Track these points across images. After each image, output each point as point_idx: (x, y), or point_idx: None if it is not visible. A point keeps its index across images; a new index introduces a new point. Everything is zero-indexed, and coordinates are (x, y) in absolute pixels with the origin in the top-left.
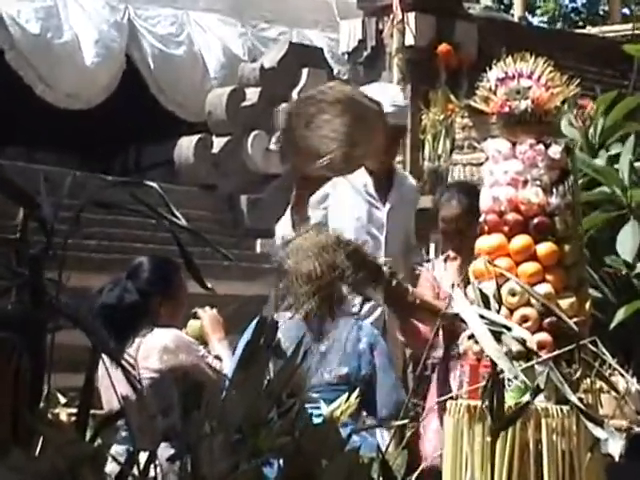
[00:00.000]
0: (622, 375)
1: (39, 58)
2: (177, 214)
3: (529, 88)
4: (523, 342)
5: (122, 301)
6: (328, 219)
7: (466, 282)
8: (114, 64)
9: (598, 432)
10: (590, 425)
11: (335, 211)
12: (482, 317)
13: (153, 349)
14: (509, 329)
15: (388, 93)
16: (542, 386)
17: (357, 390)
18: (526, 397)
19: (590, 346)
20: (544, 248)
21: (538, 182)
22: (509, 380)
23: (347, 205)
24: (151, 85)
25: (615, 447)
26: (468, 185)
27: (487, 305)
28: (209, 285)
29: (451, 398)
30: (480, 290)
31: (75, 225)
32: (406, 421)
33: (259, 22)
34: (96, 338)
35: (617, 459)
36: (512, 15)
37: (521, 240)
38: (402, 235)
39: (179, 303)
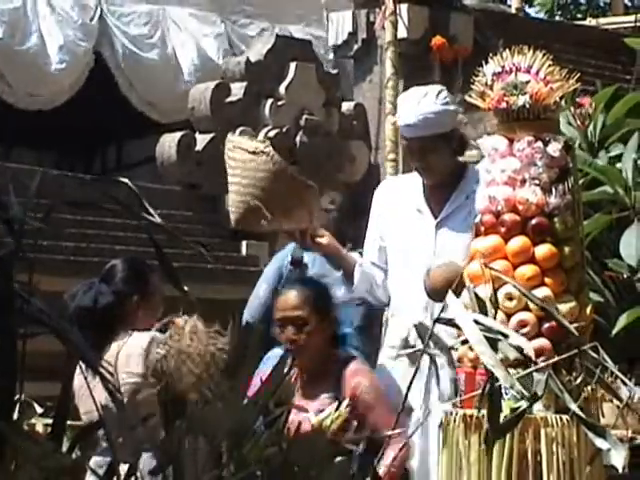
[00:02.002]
0: (624, 383)
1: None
2: (152, 212)
3: (527, 83)
4: (520, 350)
5: (97, 303)
6: (387, 250)
7: None
8: (81, 64)
9: (600, 442)
10: (591, 435)
11: (387, 238)
12: (477, 323)
13: (133, 353)
14: (506, 336)
15: (413, 101)
16: (540, 393)
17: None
18: (521, 403)
19: (591, 353)
20: (543, 250)
21: (536, 181)
22: (506, 389)
23: (394, 228)
24: (122, 84)
25: (618, 458)
26: (315, 281)
27: (483, 310)
28: (186, 288)
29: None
30: (476, 294)
31: (45, 225)
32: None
33: (239, 18)
34: (72, 344)
35: (620, 471)
36: (509, 6)
37: (519, 242)
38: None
39: (156, 303)
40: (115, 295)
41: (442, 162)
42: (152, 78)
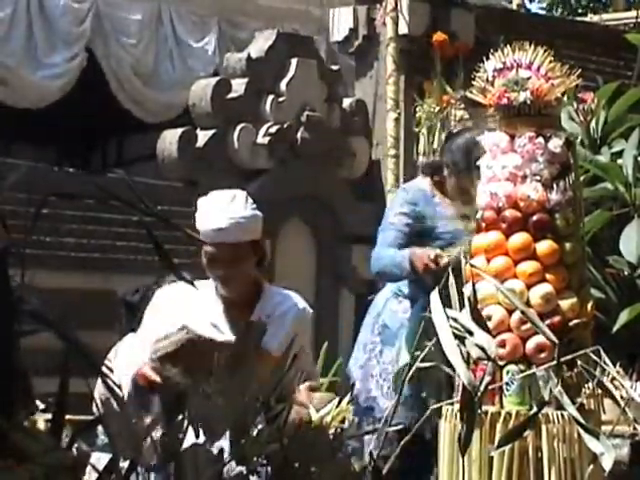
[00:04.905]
0: (623, 386)
1: None
2: (148, 204)
3: (528, 79)
4: (482, 348)
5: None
6: None
7: None
8: (74, 63)
9: (594, 445)
10: (587, 438)
11: None
12: (454, 320)
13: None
14: (472, 333)
15: (221, 204)
16: (546, 398)
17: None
18: (523, 407)
19: (592, 355)
20: (544, 246)
21: (538, 177)
22: (507, 385)
23: None
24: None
25: (608, 462)
26: None
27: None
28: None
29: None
30: (460, 292)
31: (41, 219)
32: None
33: (237, 17)
34: (69, 341)
35: (607, 470)
36: (510, 2)
37: (520, 238)
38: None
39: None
40: (140, 298)
41: (247, 273)
42: (146, 77)
